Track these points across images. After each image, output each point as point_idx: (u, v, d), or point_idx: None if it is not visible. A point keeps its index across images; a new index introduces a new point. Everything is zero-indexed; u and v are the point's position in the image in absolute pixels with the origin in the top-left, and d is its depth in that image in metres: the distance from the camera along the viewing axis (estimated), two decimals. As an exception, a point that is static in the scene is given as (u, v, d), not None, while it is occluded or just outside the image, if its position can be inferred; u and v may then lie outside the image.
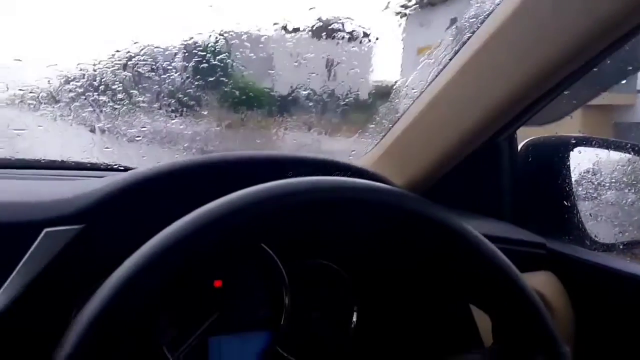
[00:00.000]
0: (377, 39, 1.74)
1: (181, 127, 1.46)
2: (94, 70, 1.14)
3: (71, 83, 0.98)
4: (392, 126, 0.93)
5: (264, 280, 0.76)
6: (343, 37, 1.63)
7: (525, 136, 0.91)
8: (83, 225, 0.61)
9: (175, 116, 1.40)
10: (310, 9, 1.57)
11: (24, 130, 1.01)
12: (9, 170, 0.87)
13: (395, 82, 1.74)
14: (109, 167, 0.91)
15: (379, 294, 0.79)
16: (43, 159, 0.90)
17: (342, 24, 1.66)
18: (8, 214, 0.61)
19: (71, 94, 0.92)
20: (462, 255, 0.51)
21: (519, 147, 0.89)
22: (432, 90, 0.85)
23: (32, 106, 1.01)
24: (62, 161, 0.91)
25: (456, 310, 0.72)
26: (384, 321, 0.78)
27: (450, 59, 0.83)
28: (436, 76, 0.86)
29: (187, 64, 1.42)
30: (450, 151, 0.81)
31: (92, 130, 0.97)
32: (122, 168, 0.90)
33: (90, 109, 0.93)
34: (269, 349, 0.75)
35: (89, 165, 0.91)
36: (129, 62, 1.27)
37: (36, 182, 0.79)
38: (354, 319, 0.79)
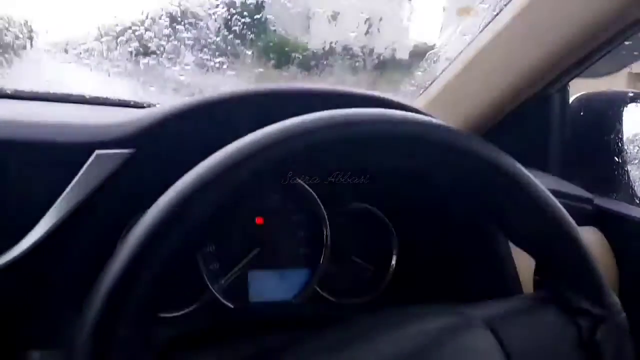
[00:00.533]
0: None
1: (216, 80, 1.46)
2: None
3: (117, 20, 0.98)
4: (440, 74, 0.90)
5: (305, 220, 0.76)
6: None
7: (578, 90, 0.88)
8: (134, 150, 0.61)
9: (211, 70, 1.39)
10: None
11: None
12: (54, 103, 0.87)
13: (434, 44, 1.70)
14: (152, 105, 0.91)
15: (420, 239, 0.78)
16: (88, 95, 0.90)
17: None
18: (60, 135, 0.61)
19: (117, 28, 0.91)
20: (516, 198, 0.49)
21: (571, 100, 0.86)
22: (484, 37, 0.82)
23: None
24: (106, 98, 0.91)
25: (498, 256, 0.71)
26: (423, 266, 0.78)
27: (505, 5, 0.80)
28: (489, 22, 0.83)
29: (224, 17, 1.41)
30: (501, 100, 0.78)
31: (137, 63, 0.97)
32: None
33: (136, 44, 0.92)
34: (306, 286, 0.75)
35: (132, 103, 0.91)
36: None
37: (85, 108, 0.80)
38: (393, 262, 0.79)
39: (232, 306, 0.71)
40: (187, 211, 0.37)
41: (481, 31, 0.84)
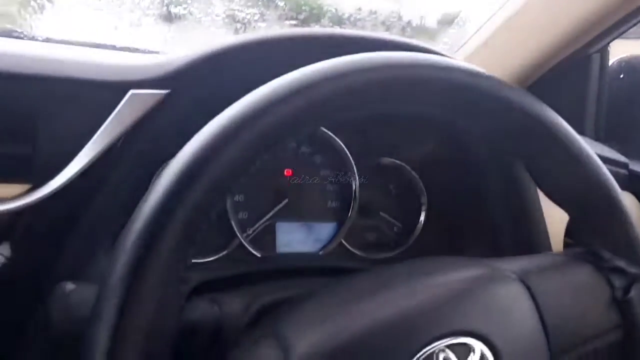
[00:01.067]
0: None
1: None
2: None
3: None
4: (477, 31, 0.88)
5: (334, 174, 0.76)
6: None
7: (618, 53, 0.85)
8: (168, 91, 0.61)
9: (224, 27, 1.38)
10: None
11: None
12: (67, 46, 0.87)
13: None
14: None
15: (450, 196, 0.78)
16: (119, 45, 0.90)
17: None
18: (95, 73, 0.61)
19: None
20: (557, 151, 0.48)
21: (611, 63, 0.84)
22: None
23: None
24: (138, 47, 0.90)
25: (530, 213, 0.70)
26: (452, 223, 0.78)
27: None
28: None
29: None
30: (540, 58, 0.76)
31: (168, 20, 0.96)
32: None
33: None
34: (333, 239, 0.75)
35: (159, 51, 0.90)
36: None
37: (118, 54, 0.79)
38: (422, 219, 0.79)
39: (259, 255, 0.72)
40: (222, 150, 0.36)
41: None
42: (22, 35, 0.80)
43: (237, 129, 0.37)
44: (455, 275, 0.44)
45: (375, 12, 1.55)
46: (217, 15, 0.99)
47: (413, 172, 0.78)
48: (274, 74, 0.41)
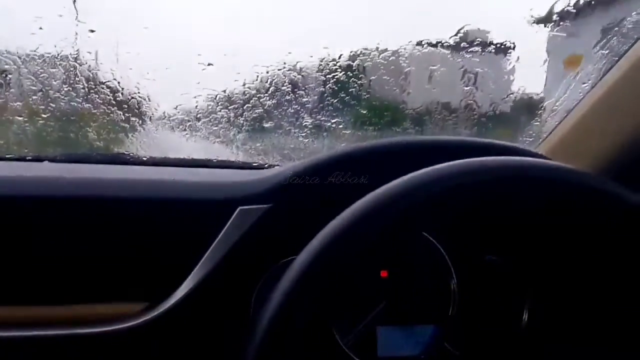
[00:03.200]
0: (517, 57, 1.67)
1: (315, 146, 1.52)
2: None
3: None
4: (560, 122, 0.89)
5: (431, 273, 0.75)
6: (482, 50, 1.60)
7: None
8: (271, 204, 0.65)
9: (311, 136, 1.46)
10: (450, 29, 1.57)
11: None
12: (177, 169, 0.95)
13: (539, 94, 1.66)
14: (266, 165, 0.96)
15: (554, 291, 0.74)
16: (216, 159, 0.97)
17: (481, 36, 1.63)
18: (205, 193, 0.67)
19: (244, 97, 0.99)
20: None
21: None
22: (608, 81, 0.81)
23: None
24: (219, 159, 0.98)
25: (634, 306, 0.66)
26: (558, 319, 0.74)
27: (629, 49, 0.79)
28: (612, 67, 0.82)
29: (323, 82, 1.48)
30: (632, 142, 0.75)
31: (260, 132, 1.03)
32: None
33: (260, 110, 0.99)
34: (434, 342, 0.73)
35: (255, 164, 0.97)
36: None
37: (216, 170, 0.86)
38: (525, 317, 0.75)
39: None
40: (339, 253, 0.38)
41: (602, 77, 0.83)
42: (131, 159, 0.88)
43: (359, 231, 0.39)
44: None
45: (449, 106, 1.60)
46: (304, 126, 1.06)
47: (513, 268, 0.76)
48: (369, 185, 0.44)
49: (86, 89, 1.10)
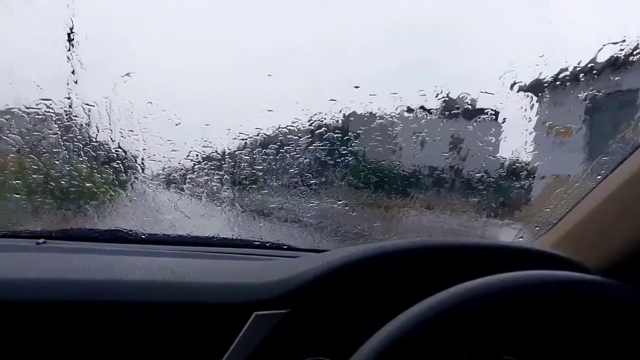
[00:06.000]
0: (504, 120, 1.71)
1: (310, 204, 1.51)
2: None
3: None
4: (569, 210, 0.88)
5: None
6: (469, 116, 1.63)
7: None
8: (289, 310, 0.61)
9: (303, 195, 1.45)
10: (438, 95, 1.60)
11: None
12: (184, 247, 0.91)
13: (529, 162, 1.69)
14: (274, 245, 0.93)
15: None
16: (215, 237, 0.93)
17: (470, 103, 1.66)
18: (219, 296, 0.62)
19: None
20: None
21: None
22: (620, 175, 0.80)
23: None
24: (233, 238, 0.94)
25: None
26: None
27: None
28: (625, 159, 0.81)
29: (312, 145, 1.48)
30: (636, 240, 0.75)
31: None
32: (285, 247, 0.92)
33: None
34: None
35: (257, 243, 0.93)
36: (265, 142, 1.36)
37: (227, 261, 0.82)
38: None
39: None
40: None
41: (614, 169, 0.83)
42: (130, 235, 0.84)
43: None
44: None
45: (440, 171, 1.62)
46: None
47: None
48: (389, 289, 0.44)
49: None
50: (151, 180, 1.14)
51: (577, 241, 0.83)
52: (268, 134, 1.40)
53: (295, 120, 1.43)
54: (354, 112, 1.61)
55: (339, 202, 1.33)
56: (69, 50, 1.17)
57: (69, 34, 1.17)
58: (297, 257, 0.72)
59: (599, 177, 0.85)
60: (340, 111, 1.52)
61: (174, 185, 1.28)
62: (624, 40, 1.24)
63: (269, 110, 1.31)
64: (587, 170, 0.90)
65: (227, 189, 1.20)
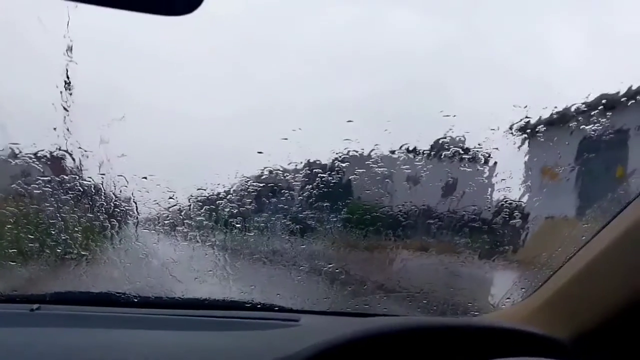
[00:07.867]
0: (495, 163, 1.72)
1: (302, 246, 1.52)
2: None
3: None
4: (552, 274, 0.89)
5: None
6: (463, 158, 1.65)
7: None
8: None
9: (295, 237, 1.47)
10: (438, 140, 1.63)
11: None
12: (175, 311, 0.91)
13: (520, 201, 1.70)
14: (265, 306, 0.94)
15: None
16: (207, 299, 0.95)
17: (462, 145, 1.68)
18: None
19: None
20: None
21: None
22: (598, 243, 0.82)
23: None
24: (224, 300, 0.95)
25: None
26: None
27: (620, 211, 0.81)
28: (603, 228, 0.83)
29: (304, 187, 1.50)
30: (620, 302, 0.76)
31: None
32: (277, 308, 0.94)
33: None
34: None
35: (249, 305, 0.94)
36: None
37: (222, 332, 0.81)
38: None
39: None
40: None
41: (593, 237, 0.84)
42: (122, 299, 0.85)
43: None
44: None
45: (433, 211, 1.63)
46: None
47: None
48: None
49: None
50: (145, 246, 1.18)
51: (556, 308, 0.84)
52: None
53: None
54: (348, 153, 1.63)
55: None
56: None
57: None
58: (290, 326, 0.73)
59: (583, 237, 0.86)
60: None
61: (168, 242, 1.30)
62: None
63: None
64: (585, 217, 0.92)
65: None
